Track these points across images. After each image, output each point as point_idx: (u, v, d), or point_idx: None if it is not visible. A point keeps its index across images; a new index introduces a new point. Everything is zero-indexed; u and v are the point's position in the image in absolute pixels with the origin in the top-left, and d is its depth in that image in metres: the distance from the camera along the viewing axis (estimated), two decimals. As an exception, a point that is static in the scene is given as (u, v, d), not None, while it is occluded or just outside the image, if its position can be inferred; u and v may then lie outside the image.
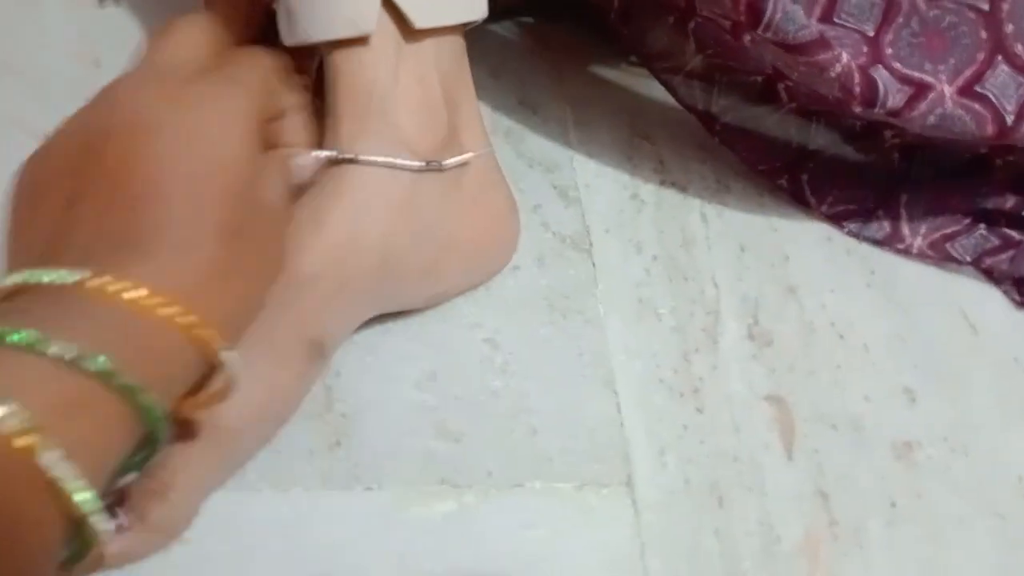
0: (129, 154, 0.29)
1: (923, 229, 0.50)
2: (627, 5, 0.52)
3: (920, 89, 0.43)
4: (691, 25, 0.49)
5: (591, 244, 0.48)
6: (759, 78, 0.49)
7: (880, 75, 0.43)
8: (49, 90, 0.51)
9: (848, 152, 0.51)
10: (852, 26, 0.43)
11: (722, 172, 0.52)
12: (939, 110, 0.44)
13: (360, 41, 0.38)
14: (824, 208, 0.50)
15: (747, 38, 0.44)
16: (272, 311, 0.34)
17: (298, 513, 0.37)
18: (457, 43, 0.40)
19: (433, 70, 0.39)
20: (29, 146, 0.47)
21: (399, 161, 0.38)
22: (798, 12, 0.40)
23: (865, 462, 0.41)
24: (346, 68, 0.38)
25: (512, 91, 0.55)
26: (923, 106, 0.43)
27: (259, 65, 0.35)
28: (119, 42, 0.54)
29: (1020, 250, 0.50)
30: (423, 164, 0.39)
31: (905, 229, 0.50)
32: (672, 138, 0.53)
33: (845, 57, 0.41)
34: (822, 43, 0.41)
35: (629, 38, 0.53)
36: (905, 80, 0.43)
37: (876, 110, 0.43)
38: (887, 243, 0.50)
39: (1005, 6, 0.43)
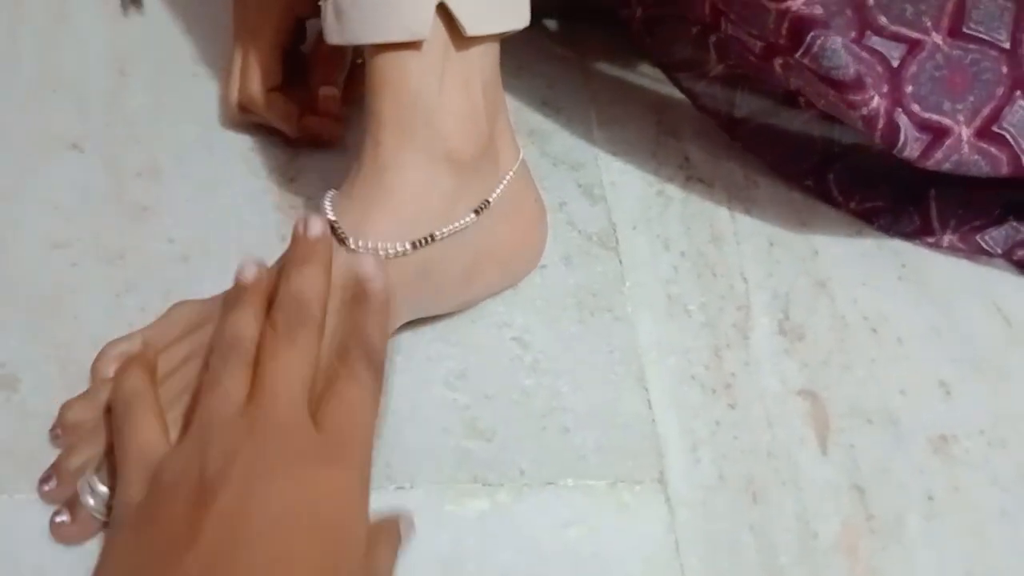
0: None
1: (953, 223, 0.49)
2: (650, 16, 0.52)
3: (937, 136, 0.44)
4: (712, 39, 0.49)
5: (618, 242, 0.48)
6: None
7: (902, 121, 0.43)
8: (79, 99, 0.52)
9: (874, 150, 0.51)
10: (879, 49, 0.43)
11: (749, 168, 0.52)
12: (955, 157, 0.44)
13: (411, 46, 0.37)
14: (852, 205, 0.50)
15: (778, 61, 0.44)
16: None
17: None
18: (496, 51, 0.40)
19: (477, 78, 0.39)
20: (63, 155, 0.48)
21: (399, 248, 0.38)
22: (840, 51, 0.41)
23: (901, 456, 0.41)
24: (394, 73, 0.37)
25: (536, 91, 0.55)
26: (939, 154, 0.44)
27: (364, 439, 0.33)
28: (142, 51, 0.55)
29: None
30: (473, 217, 0.39)
31: (935, 223, 0.50)
32: (698, 135, 0.53)
33: (875, 102, 0.42)
34: (858, 84, 0.42)
35: (652, 47, 0.53)
36: (923, 126, 0.44)
37: (894, 152, 0.44)
38: (917, 237, 0.49)
39: None
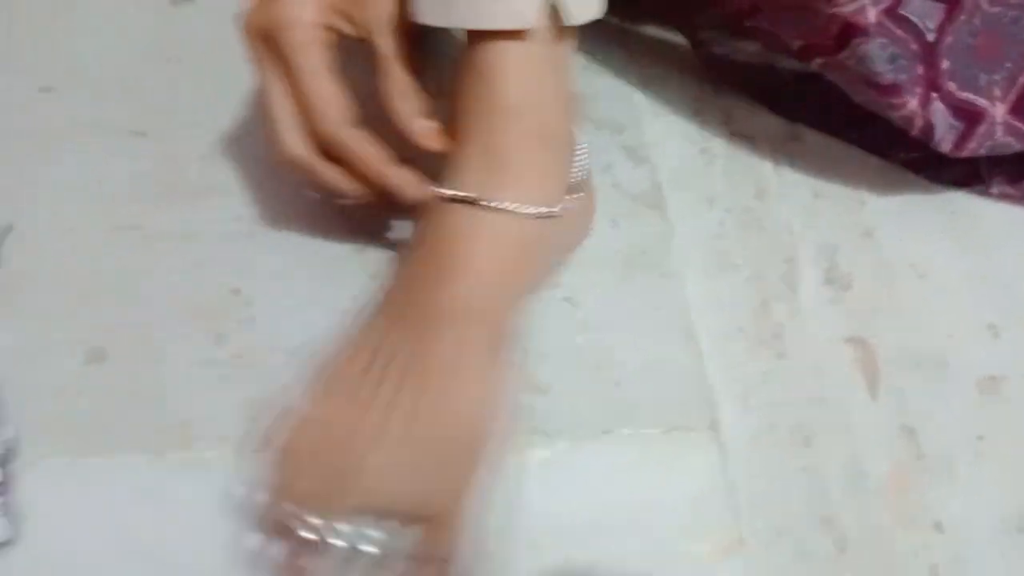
0: None
1: (1001, 170, 0.49)
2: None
3: (971, 123, 0.45)
4: (748, 23, 0.49)
5: (663, 201, 0.49)
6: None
7: (936, 116, 0.44)
8: (138, 89, 0.54)
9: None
10: (915, 20, 0.43)
11: (793, 123, 0.52)
12: (988, 143, 0.45)
13: (519, 33, 0.37)
14: (901, 155, 0.50)
15: (817, 61, 0.45)
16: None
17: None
18: (575, 40, 0.40)
19: (564, 67, 0.39)
20: (128, 142, 0.51)
21: (531, 210, 0.38)
22: (882, 56, 0.42)
23: (951, 397, 0.41)
24: (505, 60, 0.37)
25: (578, 55, 0.56)
26: (972, 144, 0.45)
27: None
28: (194, 40, 0.57)
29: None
30: (545, 211, 0.39)
31: (983, 171, 0.50)
32: (736, 88, 0.54)
33: (912, 104, 0.44)
34: (895, 90, 0.43)
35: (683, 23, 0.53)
36: (958, 111, 0.44)
37: (931, 145, 0.45)
38: (966, 185, 0.49)
39: None
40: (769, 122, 0.52)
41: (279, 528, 0.36)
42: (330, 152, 0.41)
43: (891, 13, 0.43)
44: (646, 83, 0.54)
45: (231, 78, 0.55)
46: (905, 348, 0.43)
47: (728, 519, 0.38)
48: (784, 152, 0.51)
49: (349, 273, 0.46)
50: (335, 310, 0.44)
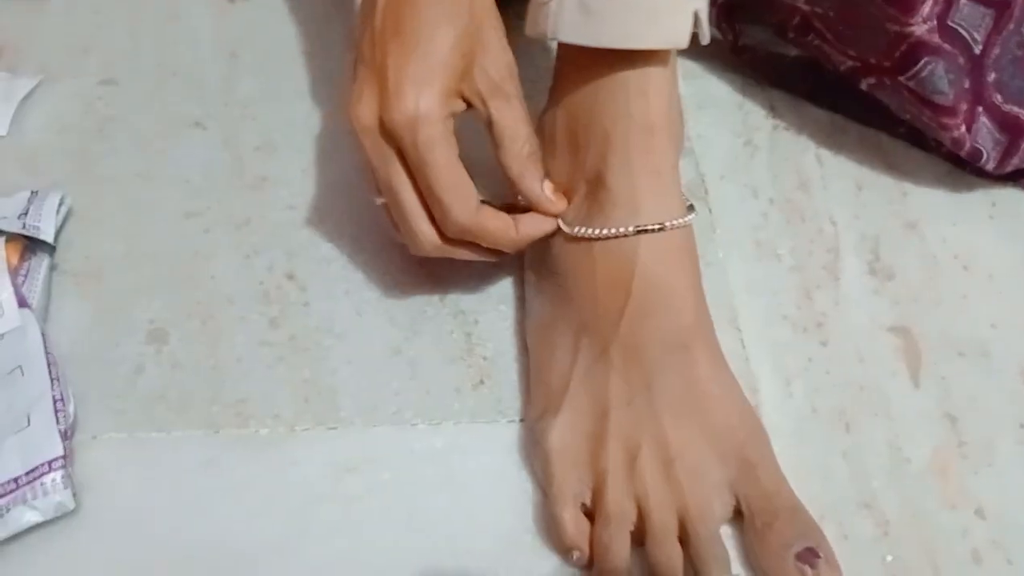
0: None
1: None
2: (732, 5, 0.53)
3: (1015, 136, 0.45)
4: (790, 34, 0.49)
5: (707, 191, 0.50)
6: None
7: (981, 133, 0.45)
8: (197, 83, 0.56)
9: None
10: (962, 32, 0.44)
11: (836, 114, 0.52)
12: None
13: (664, 53, 0.38)
14: (944, 150, 0.50)
15: (868, 81, 0.46)
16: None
17: (450, 444, 0.41)
18: None
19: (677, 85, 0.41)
20: (187, 134, 0.53)
21: (689, 219, 0.40)
22: (944, 78, 0.43)
23: (993, 386, 0.42)
24: (657, 80, 0.38)
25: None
26: (1015, 158, 0.46)
27: None
28: (251, 36, 0.59)
29: None
30: (693, 216, 0.40)
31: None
32: (780, 86, 0.54)
33: (963, 128, 0.44)
34: (952, 111, 0.44)
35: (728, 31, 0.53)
36: (1003, 124, 0.45)
37: (977, 165, 0.46)
38: (1011, 179, 0.49)
39: None
40: (813, 115, 0.52)
41: None
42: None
43: (941, 23, 0.44)
44: (690, 77, 0.55)
45: (286, 72, 0.57)
46: (948, 337, 0.43)
47: (770, 501, 0.39)
48: (827, 144, 0.51)
49: (398, 259, 0.47)
50: (384, 297, 0.46)
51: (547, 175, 0.41)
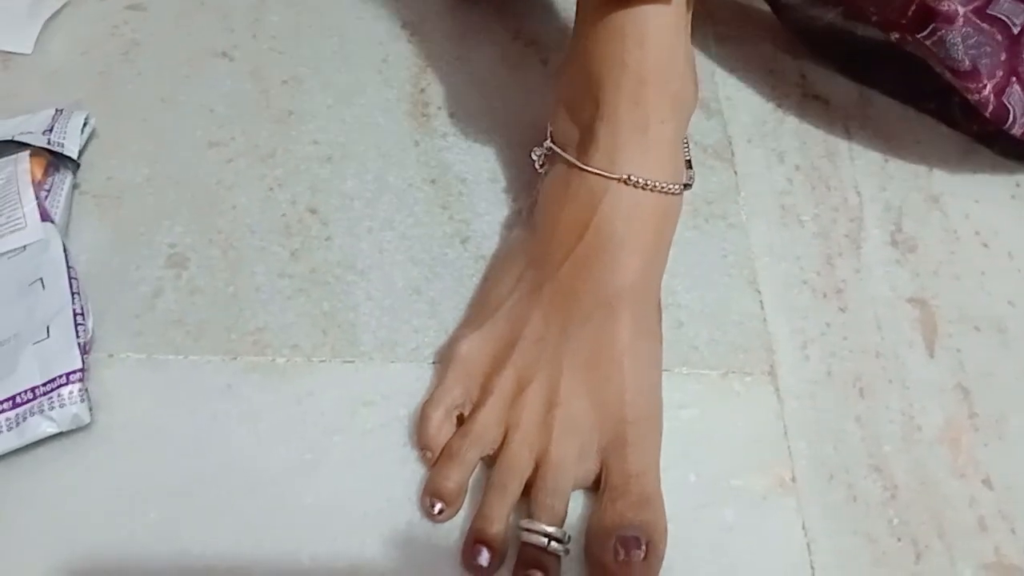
0: None
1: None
2: None
3: None
4: None
5: (733, 154, 0.49)
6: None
7: (1013, 96, 0.45)
8: (225, 14, 0.56)
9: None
10: (1002, 17, 0.44)
11: (866, 86, 0.52)
12: None
13: (662, 6, 0.37)
14: (975, 128, 0.50)
15: (895, 35, 0.45)
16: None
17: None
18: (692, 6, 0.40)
19: (688, 35, 0.39)
20: (214, 63, 0.52)
21: (677, 188, 0.39)
22: (959, 46, 0.43)
23: (1008, 361, 0.42)
24: (652, 29, 0.37)
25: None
26: None
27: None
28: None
29: None
30: (683, 185, 0.39)
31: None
32: (815, 53, 0.54)
33: (987, 90, 0.44)
34: (972, 75, 0.44)
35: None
36: None
37: (1003, 128, 0.46)
38: (1033, 161, 0.50)
39: None
40: (843, 86, 0.52)
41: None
42: None
43: (980, 12, 0.43)
44: (721, 41, 0.55)
45: (315, 6, 0.56)
46: (965, 311, 0.44)
47: (781, 460, 0.39)
48: (856, 116, 0.51)
49: (422, 200, 0.47)
50: (407, 235, 0.46)
51: (555, 124, 0.41)
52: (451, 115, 0.51)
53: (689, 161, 0.41)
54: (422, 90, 0.52)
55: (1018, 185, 0.49)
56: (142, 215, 0.46)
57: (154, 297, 0.43)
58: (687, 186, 0.40)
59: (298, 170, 0.48)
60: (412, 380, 0.41)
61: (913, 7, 0.43)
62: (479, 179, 0.48)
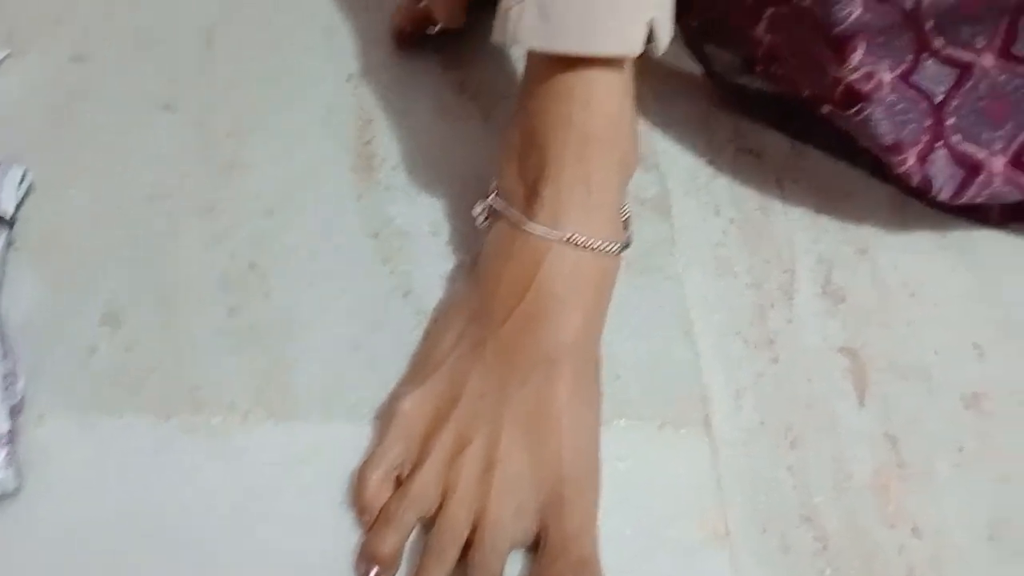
0: None
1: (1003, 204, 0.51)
2: (705, 24, 0.54)
3: (971, 172, 0.46)
4: (759, 68, 0.51)
5: (670, 207, 0.51)
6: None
7: (936, 164, 0.46)
8: (170, 64, 0.56)
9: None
10: (925, 88, 0.46)
11: (797, 140, 0.54)
12: (986, 191, 0.47)
13: (614, 63, 0.37)
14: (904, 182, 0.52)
15: (826, 108, 0.47)
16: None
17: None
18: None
19: (633, 97, 0.40)
20: (157, 115, 0.52)
21: (617, 247, 0.39)
22: (884, 121, 0.45)
23: (934, 410, 0.43)
24: (601, 89, 0.38)
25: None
26: (971, 191, 0.47)
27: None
28: (228, 18, 0.58)
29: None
30: (623, 244, 0.40)
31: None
32: (747, 111, 0.55)
33: (911, 160, 0.46)
34: (896, 148, 0.46)
35: (702, 55, 0.55)
36: (960, 161, 0.46)
37: (928, 197, 0.47)
38: (963, 213, 0.51)
39: None
40: (776, 140, 0.54)
41: None
42: None
43: (905, 79, 0.45)
44: (658, 96, 0.56)
45: (262, 57, 0.56)
46: (894, 361, 0.45)
47: (715, 511, 0.39)
48: (788, 169, 0.53)
49: (363, 254, 0.47)
50: (347, 289, 0.46)
51: (501, 180, 0.42)
52: (394, 168, 0.51)
53: (627, 221, 0.42)
54: (367, 142, 0.53)
55: (944, 236, 0.50)
56: (79, 271, 0.46)
57: (88, 355, 0.43)
58: (625, 247, 0.41)
59: (239, 223, 0.48)
60: (349, 438, 0.41)
61: (841, 87, 0.45)
62: (421, 232, 0.49)
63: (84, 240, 0.47)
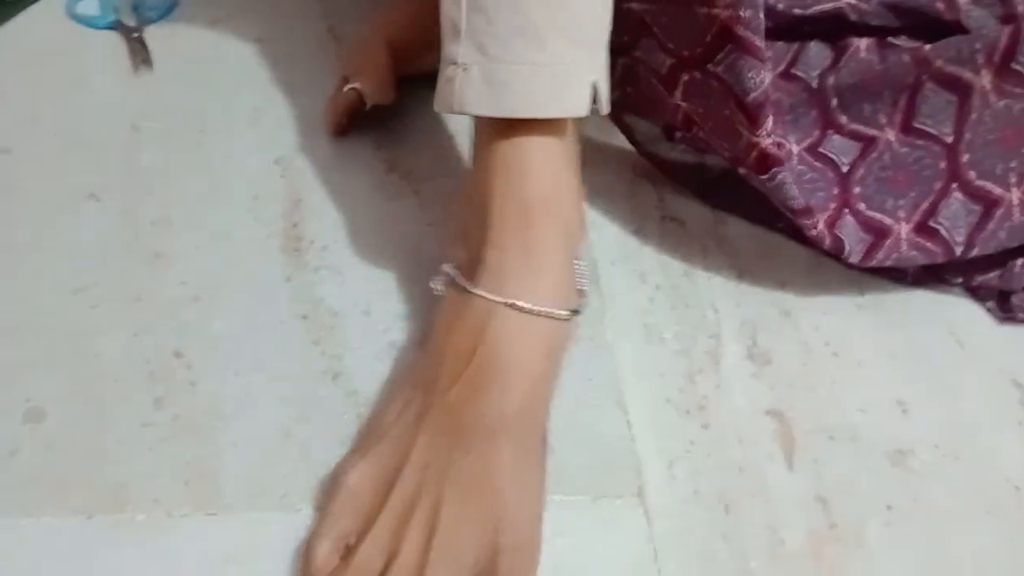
0: None
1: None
2: (625, 97, 0.56)
3: (879, 237, 0.49)
4: (677, 134, 0.53)
5: (599, 276, 0.51)
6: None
7: (846, 228, 0.49)
8: (95, 154, 0.56)
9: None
10: (832, 158, 0.48)
11: (719, 208, 0.55)
12: (895, 254, 0.49)
13: (555, 127, 0.38)
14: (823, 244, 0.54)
15: (743, 170, 0.49)
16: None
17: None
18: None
19: (578, 163, 0.41)
20: (81, 205, 0.52)
21: (565, 313, 0.40)
22: (793, 185, 0.47)
23: (862, 469, 0.44)
24: (541, 155, 0.38)
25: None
26: (880, 254, 0.49)
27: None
28: (153, 108, 0.59)
29: (1007, 268, 0.53)
30: (573, 311, 0.40)
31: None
32: (670, 180, 0.57)
33: (821, 225, 0.48)
34: (807, 212, 0.47)
35: (623, 123, 0.57)
36: (867, 226, 0.49)
37: (840, 258, 0.49)
38: (881, 273, 0.53)
39: (967, 135, 0.48)
40: (698, 208, 0.55)
41: None
42: None
43: (812, 150, 0.47)
44: (584, 167, 0.57)
45: (187, 146, 0.57)
46: (820, 421, 0.46)
47: (653, 584, 0.39)
48: (711, 236, 0.54)
49: (292, 337, 0.47)
50: (277, 375, 0.45)
51: (450, 247, 0.42)
52: (324, 248, 0.52)
53: (582, 289, 0.42)
54: (294, 224, 0.53)
55: (863, 295, 0.52)
56: (1, 369, 0.45)
57: (9, 456, 0.42)
58: (576, 312, 0.41)
59: (164, 313, 0.48)
60: (280, 530, 0.40)
61: (755, 152, 0.46)
62: (352, 312, 0.49)
63: (6, 336, 0.46)
